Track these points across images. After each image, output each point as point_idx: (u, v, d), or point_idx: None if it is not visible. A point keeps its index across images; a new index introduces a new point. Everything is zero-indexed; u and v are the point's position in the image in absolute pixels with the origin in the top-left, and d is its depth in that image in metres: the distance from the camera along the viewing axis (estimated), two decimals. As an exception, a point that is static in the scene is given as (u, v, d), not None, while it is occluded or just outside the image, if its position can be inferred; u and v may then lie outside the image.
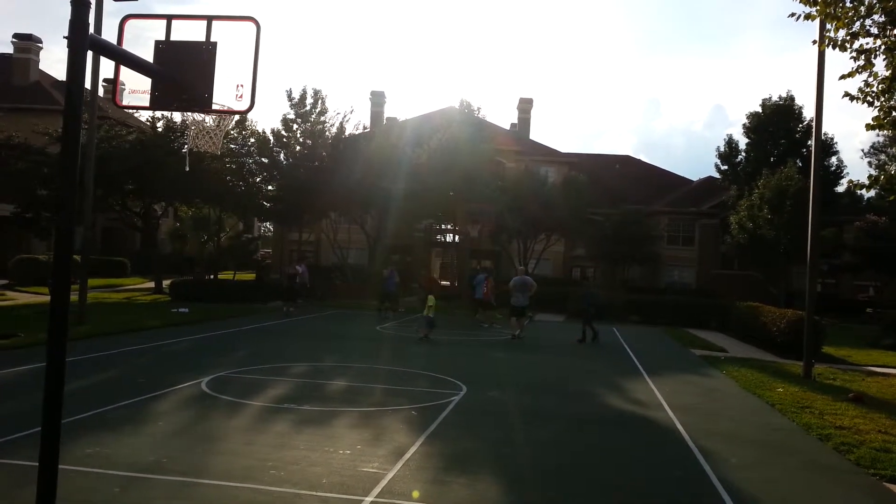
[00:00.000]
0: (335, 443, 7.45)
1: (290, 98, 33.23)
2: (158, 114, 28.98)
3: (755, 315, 21.39)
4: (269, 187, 34.47)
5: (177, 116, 27.52)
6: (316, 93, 33.45)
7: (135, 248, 45.26)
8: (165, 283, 29.88)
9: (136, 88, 5.54)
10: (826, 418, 10.08)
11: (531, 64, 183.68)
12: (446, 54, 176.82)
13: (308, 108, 33.30)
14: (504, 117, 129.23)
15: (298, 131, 33.12)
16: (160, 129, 30.36)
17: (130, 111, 31.62)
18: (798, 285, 29.93)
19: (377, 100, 49.80)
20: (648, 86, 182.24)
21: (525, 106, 50.59)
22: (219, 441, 7.36)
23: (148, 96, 5.56)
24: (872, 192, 34.05)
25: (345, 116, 33.89)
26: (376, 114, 48.61)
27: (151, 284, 32.30)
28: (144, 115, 31.40)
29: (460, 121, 34.41)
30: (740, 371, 14.61)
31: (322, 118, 33.37)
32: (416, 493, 5.94)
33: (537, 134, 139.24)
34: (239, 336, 16.98)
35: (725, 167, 47.30)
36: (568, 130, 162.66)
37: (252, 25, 5.46)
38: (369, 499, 5.76)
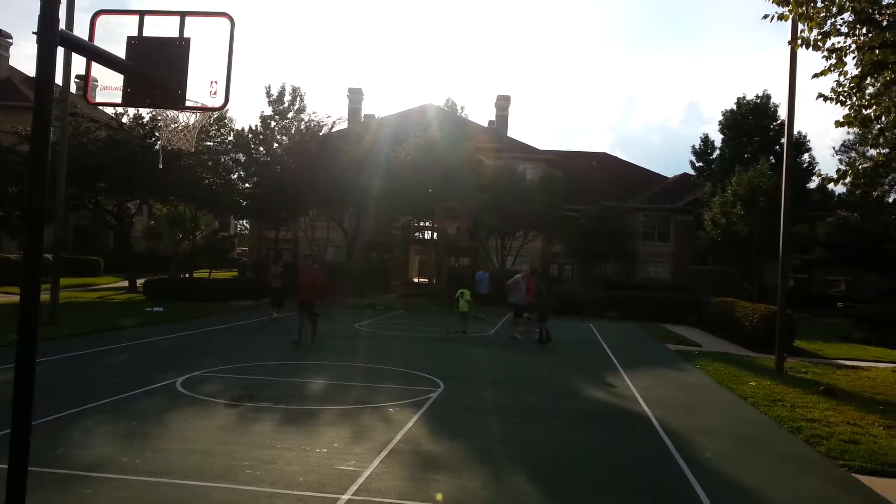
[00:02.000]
0: (312, 441, 7.43)
1: (268, 95, 33.04)
2: (122, 108, 28.63)
3: (729, 310, 21.68)
4: (246, 185, 34.24)
5: (145, 111, 27.23)
6: (294, 90, 33.29)
7: (108, 247, 44.66)
8: (139, 281, 29.53)
9: (109, 85, 5.47)
10: (797, 411, 10.26)
11: (509, 61, 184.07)
12: (424, 51, 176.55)
13: (286, 105, 33.13)
14: (482, 114, 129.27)
15: (276, 128, 32.94)
16: (126, 124, 29.99)
17: (102, 106, 31.22)
18: (771, 280, 30.35)
19: (355, 97, 49.63)
20: (625, 84, 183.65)
21: (503, 103, 50.72)
22: (194, 441, 7.30)
23: (120, 93, 5.49)
24: (843, 188, 34.66)
25: (338, 120, 33.93)
26: (354, 111, 48.44)
27: (125, 283, 31.90)
28: (111, 110, 30.97)
29: (439, 118, 34.42)
30: (714, 365, 14.80)
31: (301, 115, 33.23)
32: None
33: (515, 131, 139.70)
34: (215, 335, 16.83)
35: (700, 164, 47.94)
36: (546, 128, 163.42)
37: (226, 21, 5.42)
38: (346, 497, 5.76)
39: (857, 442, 8.47)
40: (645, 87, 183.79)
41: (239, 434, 7.64)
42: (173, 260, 36.52)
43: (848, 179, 11.29)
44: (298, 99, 33.33)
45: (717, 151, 46.89)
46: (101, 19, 5.34)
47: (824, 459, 7.82)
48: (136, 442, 7.14)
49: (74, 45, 4.66)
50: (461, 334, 18.45)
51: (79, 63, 21.50)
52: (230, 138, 32.64)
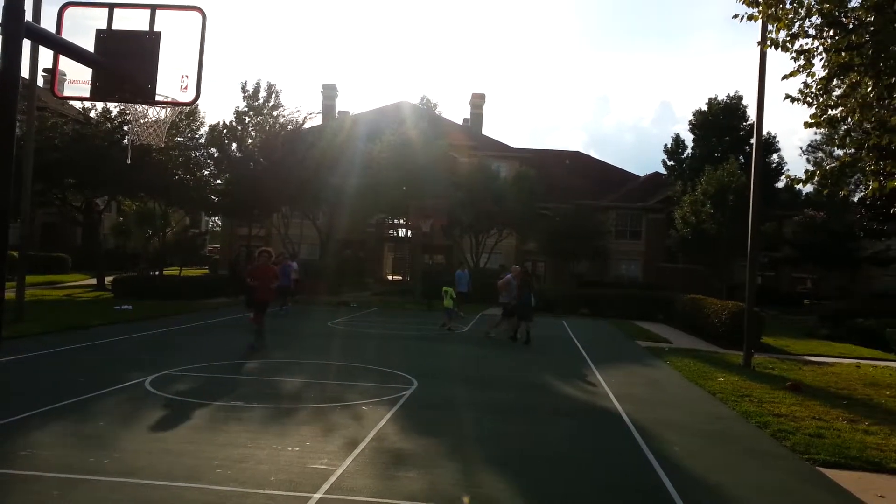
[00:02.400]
0: (283, 440, 7.38)
1: (244, 90, 32.72)
2: (90, 103, 28.12)
3: (698, 307, 21.98)
4: (218, 181, 33.86)
5: (113, 105, 26.80)
6: (270, 86, 33.04)
7: (76, 244, 43.84)
8: (108, 279, 29.04)
9: (77, 79, 5.39)
10: (764, 406, 10.44)
11: (484, 59, 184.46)
12: (399, 48, 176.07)
13: (261, 101, 32.86)
14: (457, 112, 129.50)
15: (250, 124, 32.65)
16: (94, 119, 29.51)
17: (67, 101, 30.68)
18: (740, 278, 30.85)
19: (329, 93, 49.39)
20: (598, 83, 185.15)
21: (478, 101, 50.82)
22: (163, 441, 7.21)
23: (88, 87, 5.41)
24: (810, 188, 35.41)
25: (309, 115, 33.73)
26: (328, 107, 48.19)
27: (93, 281, 31.37)
28: (79, 104, 30.44)
29: (414, 116, 34.39)
30: (683, 361, 15.00)
31: (275, 112, 32.97)
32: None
33: (490, 129, 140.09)
34: (185, 333, 16.63)
35: (672, 163, 48.58)
36: (520, 126, 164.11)
37: (198, 15, 5.36)
38: (318, 495, 5.73)
39: (821, 436, 8.65)
40: (618, 86, 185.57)
41: (209, 433, 7.56)
42: (143, 257, 35.99)
43: (815, 180, 11.51)
44: (274, 96, 33.09)
45: (689, 151, 47.54)
46: (69, 11, 5.26)
47: (790, 454, 7.97)
48: (103, 442, 7.02)
49: (41, 37, 4.59)
50: (449, 331, 18.80)
51: (46, 56, 21.05)
52: (202, 132, 32.28)
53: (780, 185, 42.62)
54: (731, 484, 6.72)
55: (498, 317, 18.37)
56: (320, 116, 40.96)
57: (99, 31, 5.21)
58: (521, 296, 17.26)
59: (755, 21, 10.60)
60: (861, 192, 35.36)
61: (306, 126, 33.91)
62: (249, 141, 32.68)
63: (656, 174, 49.48)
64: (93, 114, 30.18)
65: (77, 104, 31.09)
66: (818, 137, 52.51)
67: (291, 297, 23.16)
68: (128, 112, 5.83)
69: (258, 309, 14.00)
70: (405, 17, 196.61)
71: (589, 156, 56.57)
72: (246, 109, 32.73)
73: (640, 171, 60.82)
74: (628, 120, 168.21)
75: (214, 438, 7.33)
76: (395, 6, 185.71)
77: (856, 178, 35.19)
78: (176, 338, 15.73)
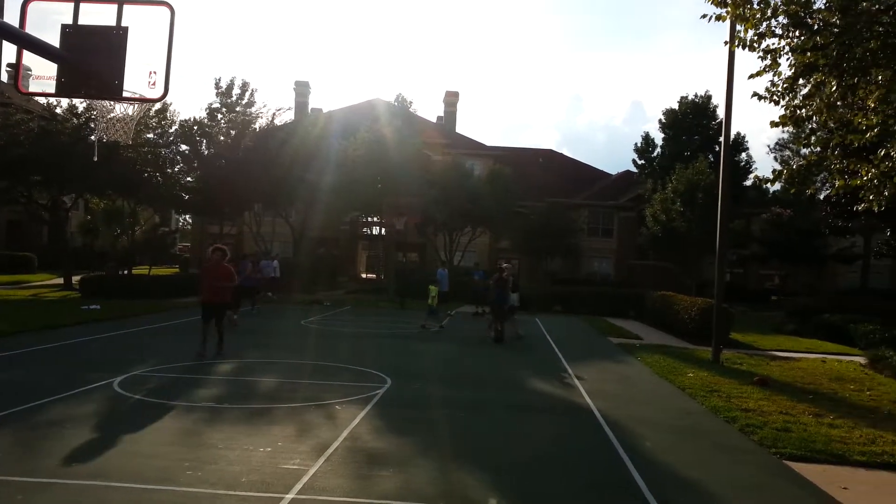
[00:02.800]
0: (255, 440, 7.32)
1: (217, 87, 32.34)
2: (56, 99, 27.58)
3: (668, 304, 22.25)
4: (189, 178, 33.44)
5: (80, 101, 26.29)
6: (244, 83, 32.72)
7: (42, 243, 42.95)
8: (75, 279, 28.51)
9: (42, 74, 5.30)
10: (733, 401, 10.61)
11: (457, 57, 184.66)
12: (372, 45, 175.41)
13: (235, 98, 32.52)
14: (430, 110, 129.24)
15: (223, 121, 32.30)
16: (60, 115, 28.97)
17: (34, 96, 30.02)
18: (709, 275, 31.28)
19: (302, 90, 49.03)
20: (571, 82, 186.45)
21: (451, 99, 50.85)
22: (132, 442, 7.10)
23: (54, 82, 5.32)
24: (777, 186, 36.00)
25: (277, 112, 33.44)
26: (301, 104, 47.86)
27: (60, 281, 30.76)
28: (43, 99, 29.83)
29: (388, 113, 34.30)
30: (654, 357, 15.18)
31: (249, 110, 32.65)
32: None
33: (463, 127, 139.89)
34: (155, 333, 16.40)
35: (642, 161, 49.04)
36: (493, 124, 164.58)
37: (166, 10, 5.29)
38: (290, 496, 5.69)
39: (788, 430, 8.81)
40: (590, 85, 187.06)
41: (179, 435, 7.46)
42: (111, 256, 35.41)
43: (783, 179, 11.70)
44: (248, 94, 32.76)
45: (659, 149, 48.04)
46: (33, 5, 5.15)
47: (758, 448, 8.11)
48: (70, 444, 6.89)
49: (4, 32, 4.48)
50: (423, 328, 18.79)
51: (10, 51, 20.60)
52: (173, 129, 31.84)
53: (749, 183, 43.27)
54: (702, 479, 6.82)
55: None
56: (292, 112, 40.68)
57: (64, 26, 5.12)
58: (496, 293, 17.30)
59: (723, 21, 10.74)
60: (826, 189, 36.08)
61: (277, 122, 33.64)
62: (222, 138, 32.32)
63: (628, 172, 49.93)
64: (59, 110, 29.62)
65: (42, 100, 30.47)
66: (785, 136, 53.46)
67: (268, 296, 23.00)
68: (94, 108, 5.76)
69: (207, 312, 12.89)
70: (379, 14, 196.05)
71: (562, 154, 56.96)
72: (219, 106, 32.36)
73: (612, 169, 61.20)
74: (600, 119, 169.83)
75: (185, 440, 7.24)
76: (369, 2, 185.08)
77: (822, 176, 35.88)
78: (145, 338, 15.50)
